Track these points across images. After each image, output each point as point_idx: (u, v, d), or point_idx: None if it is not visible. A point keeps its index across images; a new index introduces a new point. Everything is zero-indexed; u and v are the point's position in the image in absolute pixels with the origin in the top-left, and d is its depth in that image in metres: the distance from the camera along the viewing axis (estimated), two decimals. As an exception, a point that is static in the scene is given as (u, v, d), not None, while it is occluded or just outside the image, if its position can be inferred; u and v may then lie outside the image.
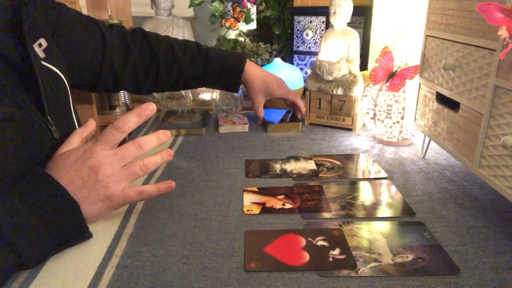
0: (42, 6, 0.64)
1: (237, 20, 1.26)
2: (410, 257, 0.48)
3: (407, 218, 0.57)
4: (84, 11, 1.19)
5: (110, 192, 0.51)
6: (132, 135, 0.92)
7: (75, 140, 0.58)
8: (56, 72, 0.62)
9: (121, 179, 0.52)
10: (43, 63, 0.58)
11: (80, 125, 0.68)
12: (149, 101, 1.21)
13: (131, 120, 0.51)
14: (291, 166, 0.74)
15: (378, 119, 0.82)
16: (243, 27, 1.30)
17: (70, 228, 0.49)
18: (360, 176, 0.70)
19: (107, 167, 0.50)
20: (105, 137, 0.50)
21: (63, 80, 0.63)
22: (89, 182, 0.50)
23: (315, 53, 1.19)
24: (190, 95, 1.11)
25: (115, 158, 0.51)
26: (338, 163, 0.76)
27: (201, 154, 0.81)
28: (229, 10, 1.26)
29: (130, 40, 0.80)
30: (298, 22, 1.20)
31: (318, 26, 1.16)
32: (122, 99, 1.14)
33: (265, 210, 0.59)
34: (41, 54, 0.58)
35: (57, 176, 0.49)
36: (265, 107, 1.09)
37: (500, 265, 0.46)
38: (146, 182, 0.68)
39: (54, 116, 0.58)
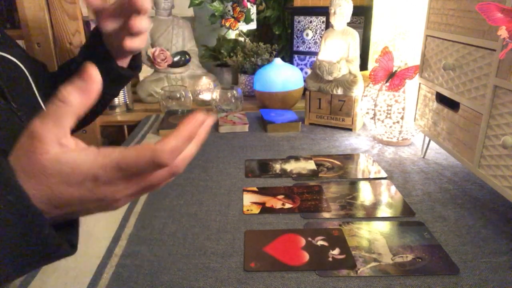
0: None
1: (237, 20, 1.26)
2: (410, 257, 0.48)
3: (407, 218, 0.57)
4: (84, 11, 1.19)
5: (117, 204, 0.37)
6: (132, 135, 0.92)
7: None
8: (11, 60, 0.62)
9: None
10: None
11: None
12: (148, 101, 1.21)
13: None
14: (291, 166, 0.74)
15: (378, 119, 0.82)
16: (243, 27, 1.30)
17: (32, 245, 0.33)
18: (360, 176, 0.70)
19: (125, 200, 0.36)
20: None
21: (21, 67, 0.63)
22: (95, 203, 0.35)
23: (315, 53, 1.18)
24: (190, 95, 1.11)
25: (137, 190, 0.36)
26: (338, 163, 0.76)
27: (201, 154, 0.81)
28: (229, 10, 1.26)
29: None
30: (298, 22, 1.20)
31: (318, 26, 1.16)
32: (122, 99, 1.14)
33: (265, 210, 0.59)
34: None
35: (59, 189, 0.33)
36: (265, 107, 1.09)
37: (500, 265, 0.46)
38: (146, 182, 0.68)
39: (19, 102, 0.58)
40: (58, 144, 0.33)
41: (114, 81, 0.71)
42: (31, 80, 0.64)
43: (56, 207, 0.33)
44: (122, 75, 0.70)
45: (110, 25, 0.60)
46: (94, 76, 0.36)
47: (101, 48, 0.67)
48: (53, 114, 0.34)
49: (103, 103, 0.79)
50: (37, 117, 0.34)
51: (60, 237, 0.34)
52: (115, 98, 1.12)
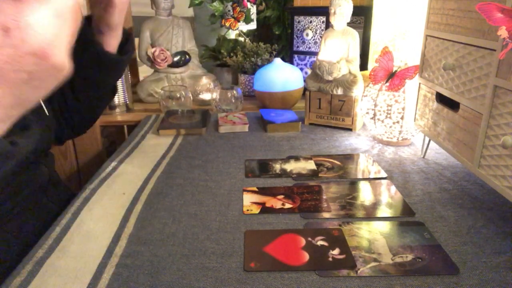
0: None
1: (237, 20, 1.26)
2: (410, 257, 0.48)
3: (407, 218, 0.57)
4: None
5: None
6: (132, 135, 0.92)
7: None
8: None
9: None
10: None
11: None
12: (148, 101, 1.21)
13: None
14: (291, 166, 0.74)
15: (378, 119, 0.82)
16: (243, 27, 1.30)
17: None
18: (360, 176, 0.70)
19: None
20: None
21: None
22: None
23: (315, 53, 1.18)
24: (190, 95, 1.11)
25: None
26: (338, 163, 0.76)
27: (201, 154, 0.81)
28: (229, 10, 1.26)
29: None
30: (298, 22, 1.20)
31: (318, 26, 1.16)
32: (122, 99, 1.14)
33: (265, 210, 0.59)
34: None
35: None
36: (265, 107, 1.09)
37: (500, 265, 0.46)
38: (145, 181, 0.69)
39: None
40: None
41: (102, 65, 0.71)
42: None
43: None
44: (110, 59, 0.70)
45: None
46: None
47: (88, 32, 0.68)
48: None
49: (101, 95, 0.78)
50: None
51: None
52: (115, 98, 1.12)
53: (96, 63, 0.70)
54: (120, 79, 1.11)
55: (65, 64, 0.33)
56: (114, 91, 0.81)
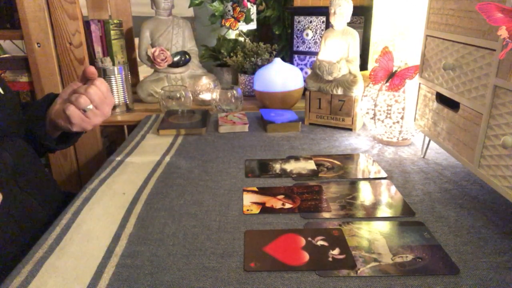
0: None
1: (237, 20, 1.26)
2: (410, 257, 0.48)
3: (407, 218, 0.57)
4: (84, 11, 1.19)
5: None
6: (132, 135, 0.92)
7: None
8: None
9: None
10: None
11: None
12: (148, 101, 1.21)
13: None
14: (291, 166, 0.74)
15: (378, 119, 0.82)
16: (243, 27, 1.30)
17: None
18: (360, 176, 0.70)
19: None
20: None
21: None
22: None
23: (315, 53, 1.18)
24: (190, 95, 1.11)
25: None
26: (338, 163, 0.76)
27: (201, 154, 0.81)
28: (229, 10, 1.26)
29: None
30: (298, 22, 1.20)
31: (318, 26, 1.16)
32: (122, 99, 1.14)
33: (265, 210, 0.59)
34: None
35: None
36: (265, 107, 1.09)
37: (500, 265, 0.46)
38: (145, 181, 0.69)
39: None
40: None
41: (40, 142, 0.73)
42: None
43: None
44: (46, 144, 0.73)
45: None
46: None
47: (43, 109, 0.71)
48: None
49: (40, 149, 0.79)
50: None
51: None
52: (115, 98, 1.12)
53: (35, 131, 0.73)
54: (121, 82, 1.11)
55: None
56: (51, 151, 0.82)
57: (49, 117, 0.71)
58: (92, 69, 0.67)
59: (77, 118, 0.66)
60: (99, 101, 0.67)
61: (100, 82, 0.68)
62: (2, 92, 0.65)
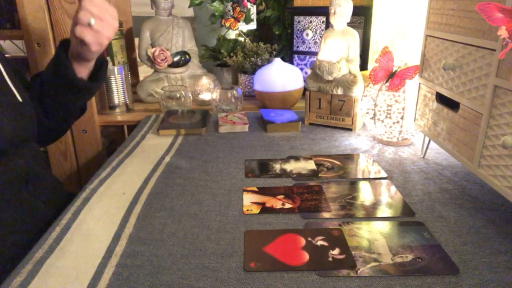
0: None
1: (237, 20, 1.26)
2: (410, 257, 0.48)
3: (406, 218, 0.57)
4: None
5: None
6: (132, 135, 0.92)
7: None
8: None
9: None
10: None
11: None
12: (148, 101, 1.21)
13: None
14: (291, 166, 0.74)
15: (378, 119, 0.82)
16: (243, 27, 1.30)
17: None
18: (360, 176, 0.70)
19: None
20: None
21: None
22: None
23: (315, 53, 1.18)
24: (190, 95, 1.11)
25: None
26: (338, 163, 0.76)
27: (201, 154, 0.81)
28: (229, 10, 1.26)
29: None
30: (298, 22, 1.20)
31: (318, 26, 1.16)
32: (122, 99, 1.14)
33: (265, 210, 0.59)
34: None
35: None
36: (265, 107, 1.09)
37: (500, 265, 0.46)
38: (145, 181, 0.69)
39: None
40: None
41: (71, 89, 0.74)
42: (3, 70, 0.65)
43: None
44: (79, 85, 0.73)
45: None
46: None
47: (62, 56, 0.72)
48: None
49: (69, 114, 0.80)
50: None
51: None
52: (115, 98, 1.12)
53: (66, 87, 0.74)
54: (121, 82, 1.11)
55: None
56: (83, 110, 0.84)
57: (73, 56, 0.71)
58: None
59: (88, 35, 0.66)
60: (98, 12, 0.66)
61: None
62: (21, 100, 0.65)
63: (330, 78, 0.90)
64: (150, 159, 0.78)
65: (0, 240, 0.55)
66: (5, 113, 0.60)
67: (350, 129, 0.93)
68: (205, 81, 1.19)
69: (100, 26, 0.67)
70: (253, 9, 1.29)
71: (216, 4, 1.31)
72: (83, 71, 0.73)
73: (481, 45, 0.54)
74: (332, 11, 0.87)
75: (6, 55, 1.26)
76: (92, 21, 0.65)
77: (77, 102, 0.78)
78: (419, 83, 0.74)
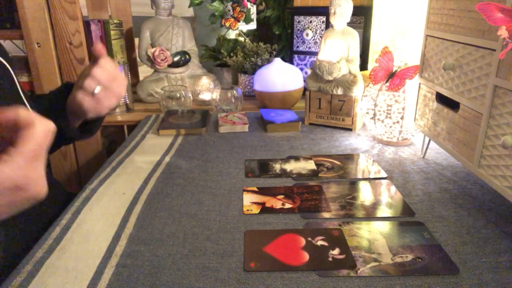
0: None
1: (237, 20, 1.26)
2: (410, 257, 0.48)
3: (406, 218, 0.57)
4: (84, 11, 1.19)
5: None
6: (132, 135, 0.92)
7: None
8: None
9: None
10: None
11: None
12: (148, 101, 1.21)
13: None
14: (291, 166, 0.74)
15: (378, 119, 0.82)
16: (243, 27, 1.30)
17: None
18: (360, 176, 0.70)
19: None
20: None
21: (6, 66, 0.64)
22: None
23: (315, 53, 1.18)
24: (190, 95, 1.11)
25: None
26: (338, 163, 0.76)
27: (201, 154, 0.81)
28: (229, 10, 1.26)
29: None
30: (298, 22, 1.20)
31: (318, 26, 1.16)
32: (122, 99, 1.14)
33: (265, 210, 0.59)
34: None
35: None
36: (265, 107, 1.09)
37: (500, 265, 0.46)
38: (145, 181, 0.69)
39: (2, 101, 0.58)
40: None
41: (60, 132, 0.70)
42: (16, 79, 0.64)
43: None
44: (71, 135, 0.70)
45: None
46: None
47: (60, 104, 0.68)
48: None
49: (61, 142, 0.76)
50: None
51: None
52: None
53: (57, 127, 0.70)
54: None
55: (41, 193, 0.38)
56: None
57: (68, 108, 0.67)
58: (99, 46, 0.63)
59: (87, 103, 0.62)
60: (106, 81, 0.63)
61: (105, 61, 0.63)
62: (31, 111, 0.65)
63: (330, 78, 0.90)
64: (150, 159, 0.78)
65: (0, 240, 0.55)
66: None
67: (350, 129, 0.93)
68: (205, 81, 1.19)
69: (103, 95, 0.63)
70: (253, 9, 1.29)
71: (216, 4, 1.31)
72: (77, 121, 0.71)
73: (481, 45, 0.54)
74: (332, 11, 0.87)
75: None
76: (97, 90, 0.62)
77: (60, 139, 0.75)
78: (419, 83, 0.74)
